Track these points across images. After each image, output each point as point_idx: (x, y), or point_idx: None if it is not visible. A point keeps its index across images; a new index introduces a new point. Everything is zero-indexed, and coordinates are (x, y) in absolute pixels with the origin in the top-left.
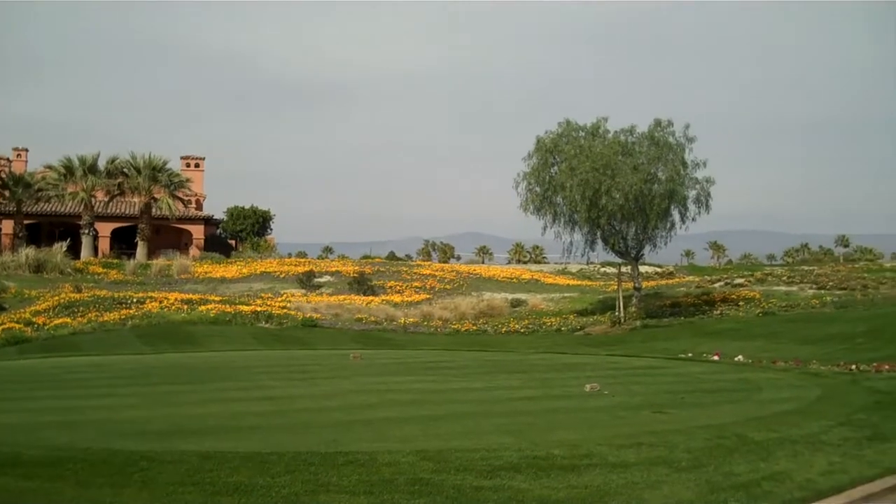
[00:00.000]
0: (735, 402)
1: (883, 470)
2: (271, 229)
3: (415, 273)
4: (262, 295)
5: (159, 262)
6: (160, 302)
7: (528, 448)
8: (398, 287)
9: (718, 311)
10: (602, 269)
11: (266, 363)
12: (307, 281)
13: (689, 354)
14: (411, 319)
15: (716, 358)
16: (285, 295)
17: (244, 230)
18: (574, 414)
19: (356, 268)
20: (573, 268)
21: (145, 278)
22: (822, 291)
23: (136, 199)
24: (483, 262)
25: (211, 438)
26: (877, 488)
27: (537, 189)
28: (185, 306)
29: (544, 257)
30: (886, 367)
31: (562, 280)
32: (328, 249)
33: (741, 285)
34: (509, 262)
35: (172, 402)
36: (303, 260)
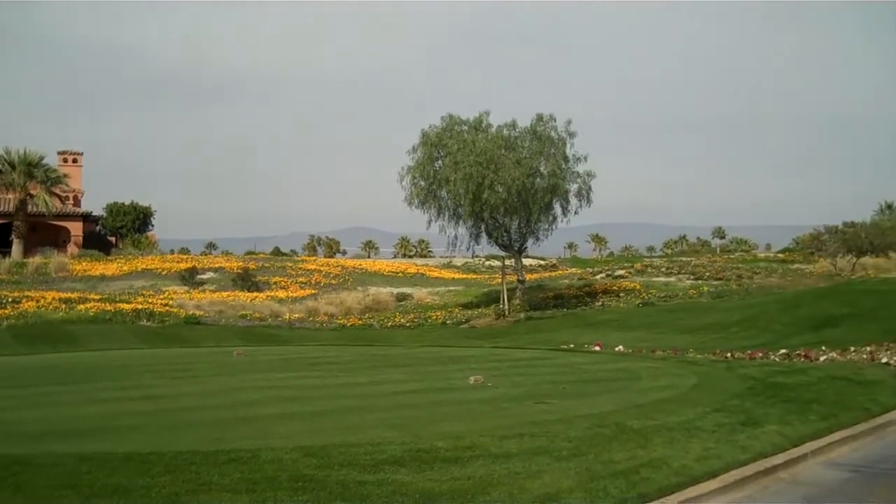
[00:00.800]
0: (615, 391)
1: (755, 454)
2: (153, 226)
3: (300, 268)
4: (144, 292)
5: (36, 260)
6: (37, 301)
7: (411, 441)
8: (283, 283)
9: (600, 303)
10: (487, 263)
11: (147, 362)
12: (190, 278)
13: (572, 345)
14: (296, 315)
15: (597, 348)
16: (167, 292)
17: (124, 227)
18: (458, 406)
19: (240, 264)
20: (458, 261)
21: (21, 277)
22: (700, 282)
23: (10, 196)
24: (369, 257)
25: (89, 440)
26: (749, 472)
27: (422, 183)
28: (64, 305)
29: (430, 251)
30: (759, 354)
31: (447, 273)
32: (212, 245)
33: (622, 277)
34: (395, 257)
35: (48, 403)
36: (185, 256)
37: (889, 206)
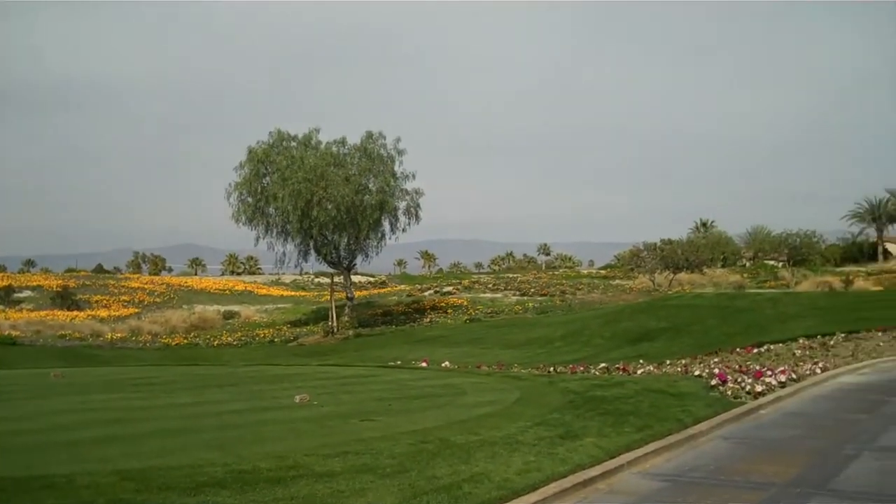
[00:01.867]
0: (440, 406)
1: (574, 466)
2: None
3: (123, 286)
4: None
5: None
6: None
7: (234, 462)
8: (105, 301)
9: (428, 319)
10: (316, 280)
11: None
12: (5, 296)
13: (399, 362)
14: (119, 334)
15: (424, 364)
16: None
17: None
18: (282, 425)
19: (60, 282)
20: (287, 278)
21: None
22: (525, 298)
23: None
24: (196, 274)
25: None
26: (568, 484)
27: (249, 199)
28: None
29: (259, 268)
30: (581, 368)
31: (276, 291)
32: (30, 263)
33: (450, 293)
34: (223, 274)
35: None
36: (0, 274)
37: (704, 225)
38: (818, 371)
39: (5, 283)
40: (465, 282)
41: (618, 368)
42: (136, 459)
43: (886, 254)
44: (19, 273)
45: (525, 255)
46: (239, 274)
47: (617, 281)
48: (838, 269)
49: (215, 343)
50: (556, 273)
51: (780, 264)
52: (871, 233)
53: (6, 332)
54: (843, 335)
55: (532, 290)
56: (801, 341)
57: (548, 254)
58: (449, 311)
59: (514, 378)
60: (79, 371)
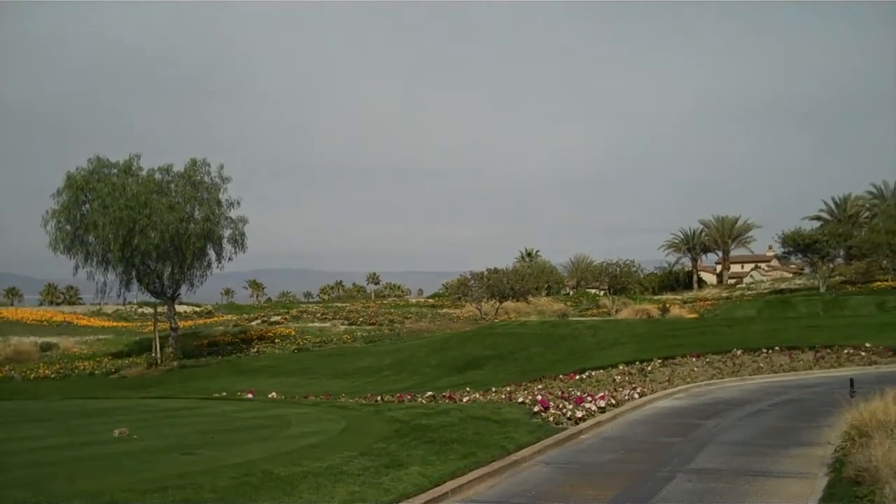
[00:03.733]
0: (265, 438)
1: (398, 495)
2: None
3: None
4: None
5: None
6: None
7: (45, 501)
8: None
9: (255, 349)
10: (140, 310)
11: None
12: None
13: (225, 393)
14: None
15: (250, 396)
16: None
17: None
18: (99, 461)
19: None
20: (109, 308)
21: None
22: (354, 327)
23: None
24: (12, 304)
25: None
26: None
27: (68, 227)
28: None
29: (80, 298)
30: (408, 396)
31: (97, 321)
32: None
33: (278, 323)
34: (41, 304)
35: None
36: None
37: (529, 254)
38: (636, 396)
39: None
40: (294, 311)
41: (444, 396)
42: None
43: (701, 282)
44: None
45: (354, 283)
46: (58, 304)
47: (445, 310)
48: (656, 297)
49: (32, 376)
50: (385, 302)
51: (602, 292)
52: (687, 262)
53: None
54: (660, 361)
55: (361, 319)
56: (620, 367)
57: (377, 283)
58: (277, 340)
59: (341, 408)
60: None
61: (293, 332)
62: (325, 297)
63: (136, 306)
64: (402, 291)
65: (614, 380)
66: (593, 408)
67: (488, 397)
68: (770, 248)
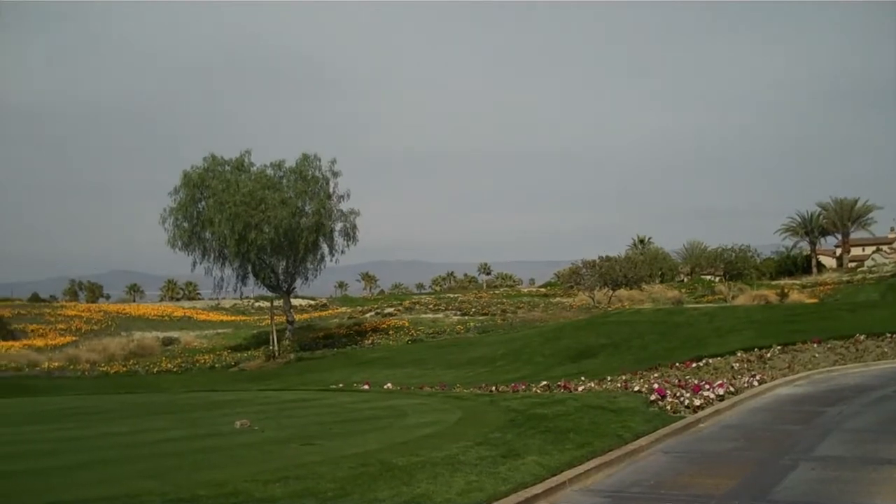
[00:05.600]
0: (381, 429)
1: (516, 485)
2: None
3: (59, 315)
4: None
5: None
6: None
7: (171, 491)
8: (41, 330)
9: (370, 341)
10: (256, 304)
11: None
12: None
13: (341, 385)
14: (56, 364)
15: (366, 387)
16: None
17: None
18: (222, 452)
19: None
20: (227, 303)
21: None
22: (466, 317)
23: None
24: (134, 301)
25: None
26: (510, 502)
27: (185, 224)
28: None
29: (198, 293)
30: (522, 386)
31: (215, 316)
32: None
33: (391, 314)
34: (162, 300)
35: None
36: None
37: (641, 241)
38: (755, 384)
39: None
40: (407, 303)
41: (559, 386)
42: (72, 491)
43: (820, 266)
44: None
45: (466, 274)
46: (178, 300)
47: (557, 299)
48: (774, 283)
49: (155, 370)
50: (497, 292)
51: (717, 279)
52: (805, 246)
53: None
54: (779, 347)
55: (473, 309)
56: (738, 354)
57: (488, 273)
58: (390, 332)
59: (456, 398)
60: (13, 402)
61: (406, 324)
62: (437, 288)
63: (252, 301)
64: (514, 281)
65: (732, 367)
66: (711, 396)
67: (603, 386)
68: (892, 229)
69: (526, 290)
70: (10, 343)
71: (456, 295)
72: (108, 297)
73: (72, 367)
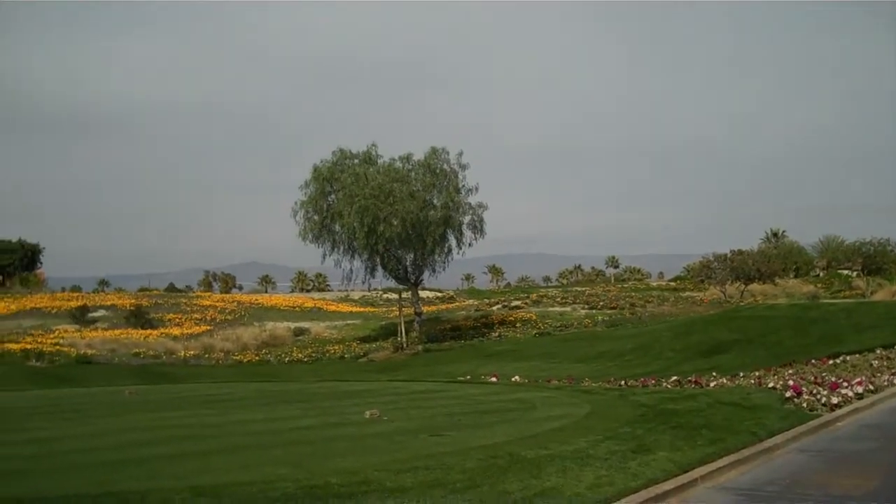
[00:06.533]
0: (510, 421)
1: (646, 481)
2: (41, 263)
3: (195, 304)
4: (32, 332)
5: None
6: None
7: (305, 478)
8: (178, 319)
9: (497, 334)
10: (384, 296)
11: (35, 403)
12: (81, 316)
13: (469, 377)
14: (192, 352)
15: (493, 379)
16: (58, 331)
17: (11, 265)
18: (353, 441)
19: (133, 300)
20: (356, 295)
21: None
22: (594, 311)
23: None
24: (266, 292)
25: None
26: (641, 498)
27: (315, 217)
28: None
29: (328, 285)
30: (652, 381)
31: (345, 307)
32: (104, 283)
33: (518, 307)
34: (292, 291)
35: None
36: (76, 294)
37: (775, 235)
38: None
39: (81, 302)
40: (534, 296)
41: (690, 381)
42: (210, 475)
43: None
44: (94, 293)
45: (593, 268)
46: (308, 291)
47: (687, 293)
48: None
49: (286, 360)
50: (626, 286)
51: (855, 274)
52: None
53: (82, 351)
54: None
55: (601, 303)
56: (878, 352)
57: (616, 266)
58: (518, 325)
59: (585, 392)
60: (152, 388)
61: (534, 317)
62: (564, 281)
63: (381, 292)
64: (643, 275)
65: (871, 365)
66: (850, 394)
67: (736, 382)
68: None
69: (655, 284)
70: (148, 331)
71: (583, 288)
72: (240, 288)
73: (207, 355)
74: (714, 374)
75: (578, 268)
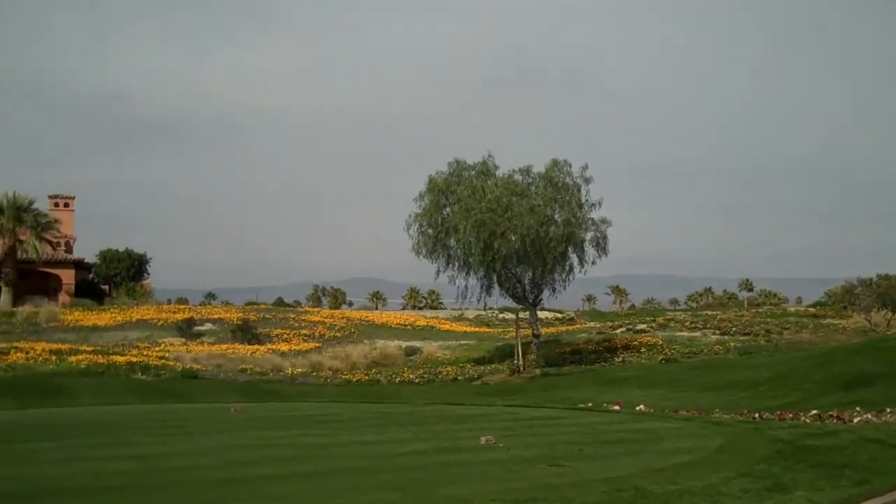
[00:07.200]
0: (634, 453)
1: None
2: (148, 273)
3: (303, 320)
4: (139, 344)
5: (25, 309)
6: (26, 352)
7: None
8: (285, 335)
9: (620, 359)
10: (500, 315)
11: (140, 418)
12: (187, 329)
13: (590, 404)
14: (299, 369)
15: (617, 407)
16: (163, 344)
17: (118, 275)
18: (467, 468)
19: (240, 314)
20: (470, 313)
21: (9, 327)
22: (726, 337)
23: None
24: (376, 308)
25: (73, 499)
26: None
27: (430, 231)
28: (54, 357)
29: (440, 303)
30: (790, 415)
31: (458, 327)
32: (211, 295)
33: (643, 331)
34: (404, 308)
35: (33, 460)
36: (183, 306)
37: None
38: None
39: (187, 315)
40: (660, 319)
41: (831, 416)
42: (315, 498)
43: None
44: (200, 305)
45: (724, 290)
46: (420, 308)
47: (828, 320)
48: None
49: (397, 380)
50: (760, 311)
51: None
52: None
53: (188, 365)
54: None
55: (734, 328)
56: None
57: (750, 289)
58: (643, 350)
59: (716, 424)
60: (259, 406)
61: (660, 342)
62: (693, 304)
63: (496, 312)
64: (779, 299)
65: None
66: None
67: (883, 419)
68: None
69: (792, 310)
70: (255, 347)
71: (714, 312)
72: (350, 304)
73: (314, 373)
74: (857, 408)
75: (709, 290)
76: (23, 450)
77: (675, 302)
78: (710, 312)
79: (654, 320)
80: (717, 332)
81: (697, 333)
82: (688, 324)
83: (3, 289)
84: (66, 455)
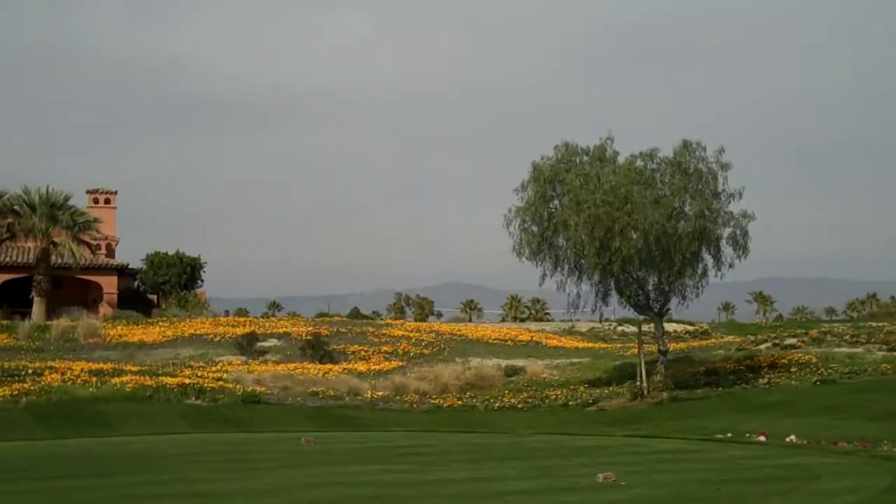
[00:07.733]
0: (785, 493)
1: None
2: (202, 281)
3: (384, 334)
4: (192, 363)
5: (61, 322)
6: (62, 373)
7: None
8: (363, 352)
9: (765, 380)
10: (619, 328)
11: (194, 450)
12: (248, 345)
13: (729, 434)
14: (380, 393)
15: (762, 439)
16: (221, 363)
17: (168, 282)
18: None
19: (310, 328)
20: (583, 326)
21: (43, 343)
22: (895, 353)
23: (30, 245)
24: (470, 320)
25: None
26: None
27: (534, 228)
28: (94, 378)
29: (547, 314)
30: None
31: (569, 342)
32: (275, 306)
33: (793, 346)
34: (503, 320)
35: (73, 499)
36: (243, 319)
37: None
38: None
39: (249, 329)
40: (814, 332)
41: None
42: None
43: None
44: (263, 318)
45: (893, 297)
46: (522, 320)
47: None
48: None
49: (496, 405)
50: None
51: None
52: None
53: (250, 388)
54: None
55: None
56: None
57: None
58: (793, 369)
59: (884, 459)
60: (334, 436)
61: (814, 359)
62: (854, 313)
63: (614, 324)
64: None
65: None
66: None
67: None
68: None
69: None
70: (328, 366)
71: (881, 324)
72: (439, 315)
73: (398, 397)
74: None
75: (873, 297)
76: (57, 487)
77: (831, 311)
78: (875, 324)
79: (807, 333)
80: (885, 347)
81: (860, 349)
82: (848, 337)
83: (36, 300)
84: (108, 494)
